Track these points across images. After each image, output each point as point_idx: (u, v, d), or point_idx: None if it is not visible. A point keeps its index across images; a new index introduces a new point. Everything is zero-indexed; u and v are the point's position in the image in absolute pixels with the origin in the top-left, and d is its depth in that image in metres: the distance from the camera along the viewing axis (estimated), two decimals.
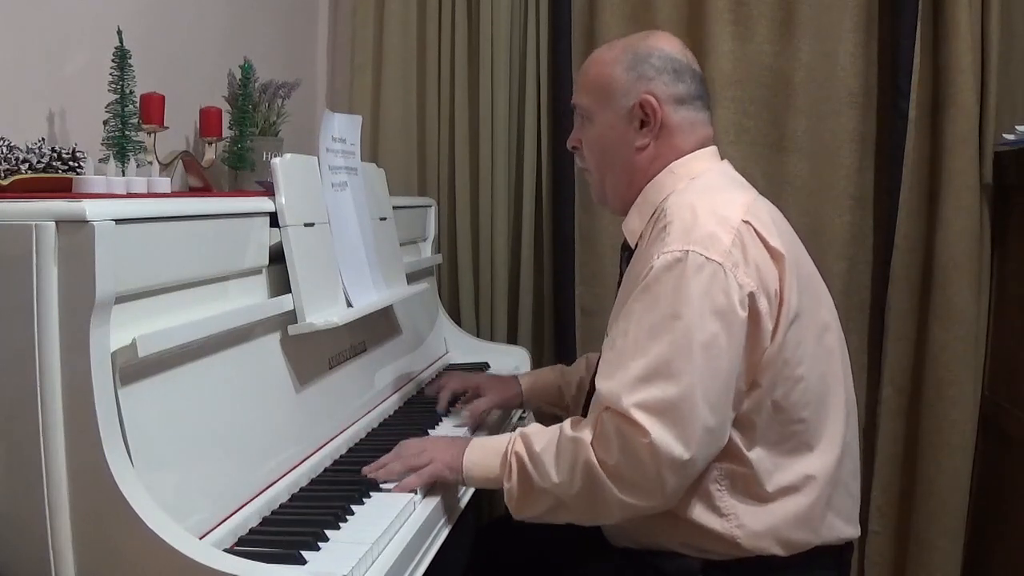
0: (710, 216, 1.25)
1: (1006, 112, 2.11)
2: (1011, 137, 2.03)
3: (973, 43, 2.07)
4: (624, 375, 1.20)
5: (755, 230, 1.25)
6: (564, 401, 1.74)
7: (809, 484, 1.28)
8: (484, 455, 1.32)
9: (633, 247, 1.40)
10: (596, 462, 1.20)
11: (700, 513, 1.27)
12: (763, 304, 1.22)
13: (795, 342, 1.26)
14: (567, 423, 1.27)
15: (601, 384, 1.23)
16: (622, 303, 1.29)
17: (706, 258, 1.21)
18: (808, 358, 1.28)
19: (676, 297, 1.20)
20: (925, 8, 2.13)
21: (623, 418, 1.18)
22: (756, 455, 1.26)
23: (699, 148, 1.40)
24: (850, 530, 1.35)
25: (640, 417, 1.17)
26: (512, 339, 2.42)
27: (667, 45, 1.40)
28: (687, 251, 1.21)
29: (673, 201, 1.31)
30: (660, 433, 1.16)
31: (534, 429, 1.31)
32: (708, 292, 1.20)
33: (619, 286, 1.44)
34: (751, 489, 1.27)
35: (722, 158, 1.46)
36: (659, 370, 1.18)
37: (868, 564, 2.25)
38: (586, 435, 1.22)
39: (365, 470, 1.33)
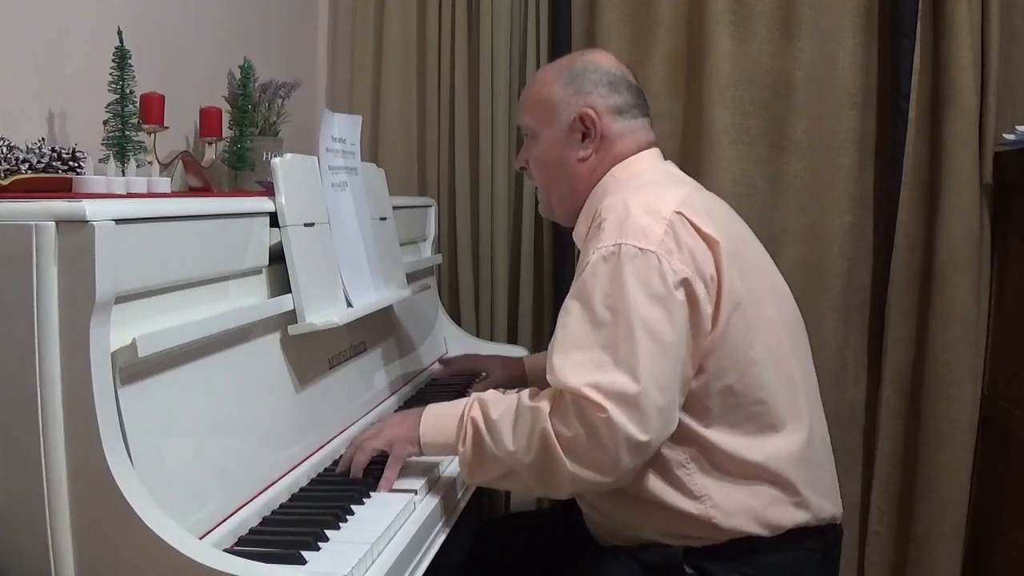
0: (642, 210, 1.28)
1: (1006, 112, 2.11)
2: (1011, 137, 2.03)
3: (973, 43, 2.07)
4: (570, 362, 1.22)
5: (688, 219, 1.28)
6: None
7: (779, 463, 1.29)
8: (440, 422, 1.33)
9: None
10: (552, 433, 1.21)
11: (674, 498, 1.29)
12: (699, 289, 1.25)
13: (743, 326, 1.29)
14: (525, 393, 1.29)
15: (549, 376, 1.25)
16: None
17: (639, 248, 1.24)
18: (759, 341, 1.31)
19: (613, 287, 1.23)
20: (925, 8, 2.13)
21: (579, 395, 1.20)
22: (717, 436, 1.28)
23: (639, 151, 1.45)
24: (831, 508, 1.36)
25: (595, 395, 1.18)
26: (512, 339, 2.42)
27: (602, 60, 1.46)
28: (620, 244, 1.25)
29: (608, 201, 1.35)
30: (616, 412, 1.18)
31: (491, 396, 1.32)
32: (645, 280, 1.23)
33: None
34: (718, 468, 1.29)
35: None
36: (604, 359, 1.20)
37: (868, 564, 2.25)
38: (544, 406, 1.23)
39: (339, 470, 1.35)
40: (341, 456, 1.43)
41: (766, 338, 1.32)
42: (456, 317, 2.39)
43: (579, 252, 1.48)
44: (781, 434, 1.31)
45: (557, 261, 2.36)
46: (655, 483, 1.29)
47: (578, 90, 1.42)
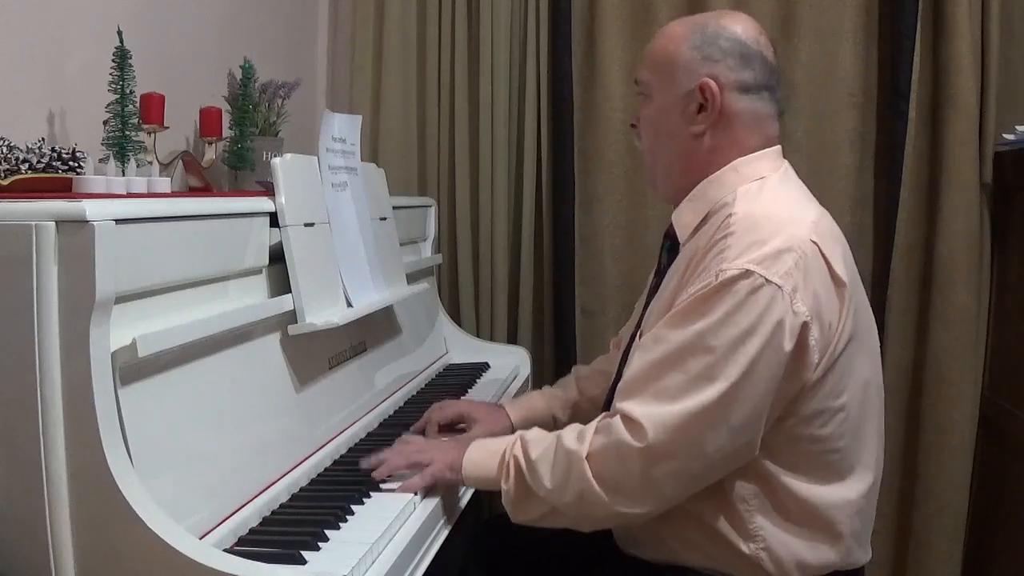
0: (776, 232, 1.19)
1: (1006, 112, 2.11)
2: (1011, 137, 2.03)
3: (973, 43, 2.07)
4: (654, 388, 1.19)
5: (821, 252, 1.20)
6: (559, 427, 1.71)
7: (834, 511, 1.26)
8: (483, 456, 1.32)
9: (681, 241, 1.34)
10: (591, 475, 1.20)
11: (727, 530, 1.25)
12: (814, 334, 1.17)
13: (839, 373, 1.22)
14: (566, 432, 1.26)
15: (623, 390, 1.22)
16: (664, 298, 1.27)
17: (766, 280, 1.15)
18: (851, 388, 1.25)
19: (727, 318, 1.16)
20: (925, 8, 2.13)
21: (628, 420, 1.18)
22: (789, 479, 1.24)
23: (765, 147, 1.32)
24: (863, 555, 1.34)
25: (651, 429, 1.16)
26: (512, 339, 2.42)
27: (740, 27, 1.30)
28: (747, 271, 1.16)
29: (739, 209, 1.24)
30: (652, 436, 1.16)
31: (533, 435, 1.30)
32: (761, 318, 1.15)
33: (655, 275, 1.41)
34: (780, 510, 1.24)
35: None
36: (690, 386, 1.17)
37: (868, 564, 2.24)
38: (583, 449, 1.22)
39: (365, 463, 1.34)
40: (341, 456, 1.43)
41: (855, 387, 1.26)
42: (456, 317, 2.39)
43: (667, 235, 1.40)
44: (846, 482, 1.27)
45: (557, 261, 2.36)
46: (712, 512, 1.25)
47: (706, 56, 1.27)
